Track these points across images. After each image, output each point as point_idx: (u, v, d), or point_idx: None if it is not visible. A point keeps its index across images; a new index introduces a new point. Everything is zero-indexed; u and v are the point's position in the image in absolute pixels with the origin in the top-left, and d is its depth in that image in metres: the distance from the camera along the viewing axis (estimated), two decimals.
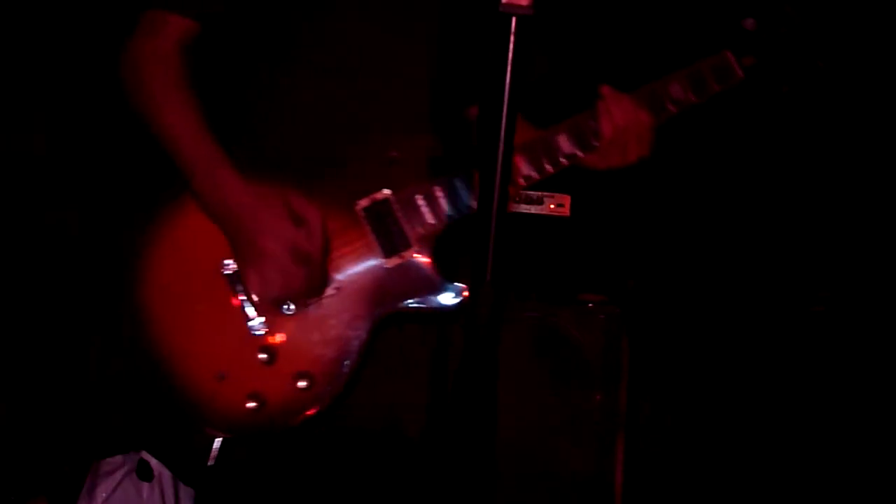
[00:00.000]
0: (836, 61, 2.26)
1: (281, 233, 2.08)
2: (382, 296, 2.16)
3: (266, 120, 2.23)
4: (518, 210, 3.63)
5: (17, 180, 3.71)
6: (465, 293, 2.15)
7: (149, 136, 2.17)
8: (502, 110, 1.50)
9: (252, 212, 2.09)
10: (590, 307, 3.58)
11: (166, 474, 3.35)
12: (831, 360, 3.81)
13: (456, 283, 2.17)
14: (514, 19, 1.52)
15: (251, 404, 2.11)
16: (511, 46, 1.52)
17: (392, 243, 2.16)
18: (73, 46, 3.70)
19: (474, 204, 2.16)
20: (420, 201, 2.17)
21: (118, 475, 3.45)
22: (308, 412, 2.13)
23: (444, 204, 2.18)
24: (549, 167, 2.23)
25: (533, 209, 3.67)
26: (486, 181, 1.54)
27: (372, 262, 2.16)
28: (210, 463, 2.16)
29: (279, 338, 2.14)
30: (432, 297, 2.17)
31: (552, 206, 3.66)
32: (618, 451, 3.54)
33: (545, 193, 3.66)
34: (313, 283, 2.12)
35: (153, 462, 3.48)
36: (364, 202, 2.17)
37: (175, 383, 2.14)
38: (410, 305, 2.17)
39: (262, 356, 2.12)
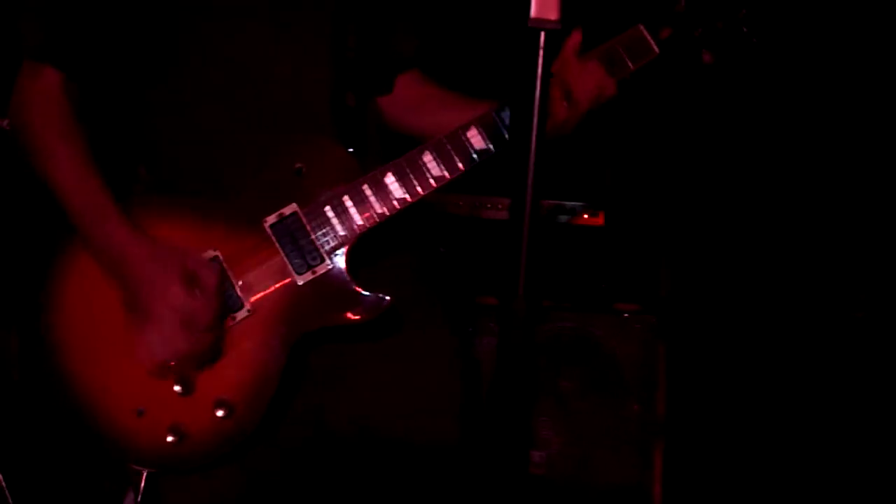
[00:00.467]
0: (761, 25, 2.20)
1: (171, 298, 2.01)
2: (298, 314, 2.09)
3: (164, 144, 2.18)
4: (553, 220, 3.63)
5: None
6: (386, 302, 2.09)
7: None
8: (531, 130, 1.48)
9: (142, 271, 2.03)
10: (625, 316, 3.57)
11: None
12: (874, 367, 3.77)
13: (375, 294, 2.10)
14: (542, 34, 1.51)
15: (171, 438, 2.06)
16: (541, 62, 1.51)
17: (303, 259, 2.10)
18: None
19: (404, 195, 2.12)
20: (329, 213, 2.11)
21: None
22: (233, 440, 2.08)
23: (353, 213, 2.11)
24: (461, 166, 2.16)
25: (566, 219, 3.66)
26: (517, 198, 1.52)
27: (284, 281, 2.10)
28: (138, 499, 2.14)
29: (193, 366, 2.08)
30: (351, 312, 2.11)
31: (586, 217, 3.65)
32: (656, 461, 3.52)
33: (578, 203, 3.66)
34: (202, 348, 2.05)
35: None
36: (271, 218, 2.09)
37: (95, 421, 2.09)
38: (329, 322, 2.11)
39: (178, 388, 2.07)
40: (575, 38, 2.20)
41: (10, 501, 3.25)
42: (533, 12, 1.50)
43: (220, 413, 2.06)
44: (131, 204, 2.11)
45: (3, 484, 3.26)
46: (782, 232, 3.97)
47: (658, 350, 3.57)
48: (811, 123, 3.88)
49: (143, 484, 2.19)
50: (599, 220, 3.64)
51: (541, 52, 1.50)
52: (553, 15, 1.50)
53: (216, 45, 2.13)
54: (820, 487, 3.71)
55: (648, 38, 2.22)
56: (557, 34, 1.51)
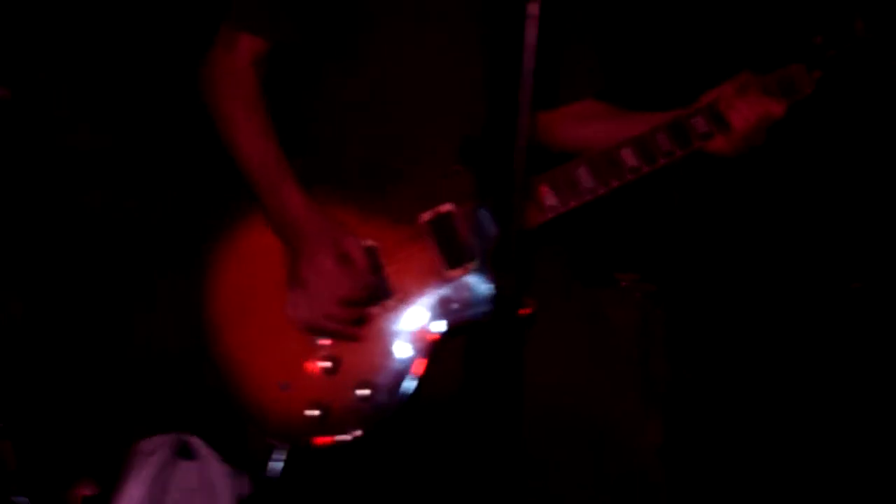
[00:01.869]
0: None
1: (317, 265, 2.12)
2: (444, 308, 2.18)
3: (330, 136, 2.29)
4: None
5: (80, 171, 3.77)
6: (531, 305, 2.14)
7: (221, 148, 2.25)
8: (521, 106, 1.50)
9: (305, 236, 2.15)
10: (623, 286, 3.58)
11: (209, 454, 3.38)
12: (873, 340, 3.78)
13: (519, 295, 2.17)
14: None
15: (313, 412, 2.14)
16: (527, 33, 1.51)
17: (455, 256, 2.18)
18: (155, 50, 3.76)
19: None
20: (483, 214, 2.18)
21: (160, 455, 3.49)
22: (369, 423, 2.15)
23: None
24: (613, 182, 2.22)
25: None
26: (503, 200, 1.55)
27: (434, 274, 2.18)
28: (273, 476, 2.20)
29: (342, 346, 2.17)
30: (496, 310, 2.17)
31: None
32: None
33: None
34: (337, 319, 2.14)
35: (195, 442, 3.52)
36: (427, 215, 2.19)
37: (239, 392, 2.18)
38: (473, 317, 2.18)
39: (326, 364, 2.16)
40: (743, 77, 2.23)
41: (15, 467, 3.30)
42: None
43: (360, 392, 2.14)
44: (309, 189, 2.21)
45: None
46: (782, 201, 3.98)
47: (658, 316, 3.58)
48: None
49: (280, 461, 2.25)
50: None
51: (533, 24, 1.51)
52: None
53: (396, 47, 2.22)
54: (813, 461, 3.74)
55: (806, 77, 2.23)
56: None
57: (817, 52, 2.24)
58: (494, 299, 2.07)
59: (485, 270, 2.17)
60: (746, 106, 2.19)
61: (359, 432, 2.16)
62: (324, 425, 2.15)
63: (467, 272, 2.18)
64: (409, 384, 2.15)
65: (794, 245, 3.96)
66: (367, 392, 2.14)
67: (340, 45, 2.26)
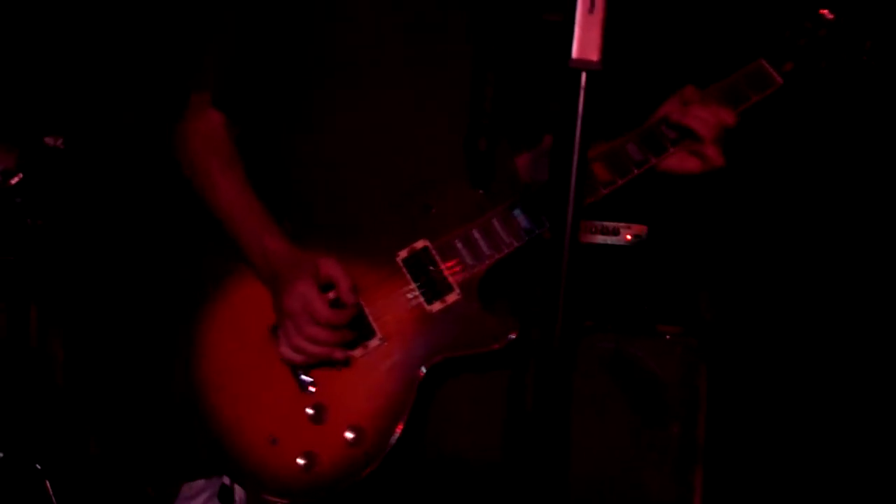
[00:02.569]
0: (882, 54, 2.23)
1: (298, 292, 2.11)
2: (429, 344, 2.16)
3: (301, 186, 2.29)
4: (595, 241, 3.64)
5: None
6: (515, 332, 2.14)
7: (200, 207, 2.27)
8: (573, 166, 1.51)
9: (286, 275, 2.14)
10: (667, 338, 3.57)
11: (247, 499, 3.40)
12: None
13: (506, 323, 2.16)
14: (584, 75, 1.53)
15: (301, 461, 2.13)
16: (581, 102, 1.53)
17: (434, 290, 2.18)
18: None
19: (534, 227, 2.19)
20: (459, 245, 2.19)
21: (201, 499, 3.51)
22: (364, 468, 2.13)
23: (482, 245, 2.19)
24: (619, 179, 2.22)
25: (609, 240, 3.67)
26: (556, 236, 1.55)
27: (416, 311, 2.17)
28: None
29: (328, 393, 2.15)
30: (481, 339, 2.16)
31: (629, 237, 3.66)
32: (696, 483, 3.52)
33: (621, 224, 3.66)
34: (323, 342, 2.13)
35: (237, 488, 3.54)
36: (403, 253, 2.19)
37: (231, 450, 2.18)
38: (459, 350, 2.17)
39: (310, 412, 2.15)
40: (687, 91, 2.23)
41: None
42: (574, 53, 1.53)
43: (349, 436, 2.13)
44: None
45: (50, 491, 3.33)
46: (823, 253, 3.96)
47: (700, 372, 3.57)
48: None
49: None
50: (643, 237, 3.65)
51: (581, 93, 1.53)
52: (594, 56, 1.53)
53: (360, 107, 2.24)
54: None
55: (771, 70, 2.25)
56: (599, 75, 1.53)
57: (787, 43, 2.25)
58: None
59: (469, 301, 2.17)
60: (695, 114, 2.19)
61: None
62: (315, 476, 2.13)
63: (447, 305, 2.17)
64: (399, 427, 2.13)
65: (835, 300, 3.94)
66: (353, 436, 2.13)
67: (300, 98, 2.28)
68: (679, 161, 2.24)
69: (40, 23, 3.84)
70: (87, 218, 3.82)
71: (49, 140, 3.52)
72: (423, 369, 2.15)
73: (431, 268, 2.18)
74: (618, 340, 3.57)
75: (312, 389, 2.16)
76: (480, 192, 2.23)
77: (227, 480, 3.55)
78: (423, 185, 2.21)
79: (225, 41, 2.30)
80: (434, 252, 2.19)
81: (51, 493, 3.32)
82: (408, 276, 2.19)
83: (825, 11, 2.25)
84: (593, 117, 1.54)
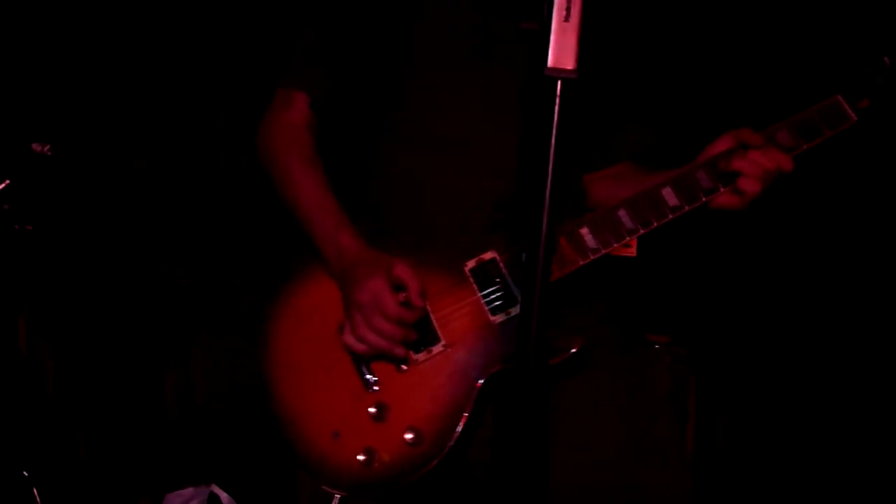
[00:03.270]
0: None
1: (370, 288, 2.15)
2: (490, 354, 2.19)
3: (378, 190, 2.37)
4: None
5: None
6: (577, 346, 2.17)
7: (279, 202, 2.35)
8: (546, 175, 1.51)
9: (360, 270, 2.19)
10: (656, 348, 3.57)
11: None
12: None
13: (567, 338, 2.19)
14: (559, 83, 1.54)
15: (361, 457, 2.18)
16: (556, 110, 1.54)
17: (499, 301, 2.21)
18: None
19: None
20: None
21: None
22: (420, 469, 2.17)
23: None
24: (654, 221, 2.24)
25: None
26: (532, 252, 1.55)
27: (480, 321, 2.21)
28: None
29: (391, 393, 2.21)
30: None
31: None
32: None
33: None
34: (388, 336, 2.16)
35: (223, 495, 3.54)
36: (471, 263, 2.23)
37: (294, 443, 2.25)
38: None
39: (372, 410, 2.20)
40: (745, 133, 2.23)
41: None
42: (550, 62, 1.53)
43: (408, 436, 2.17)
44: None
45: (38, 499, 3.33)
46: (814, 262, 3.96)
47: (689, 381, 3.57)
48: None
49: None
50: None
51: (557, 101, 1.54)
52: (570, 64, 1.53)
53: (442, 114, 2.28)
54: None
55: (847, 107, 2.24)
56: (574, 83, 1.54)
57: (865, 80, 2.25)
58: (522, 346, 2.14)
59: None
60: (753, 159, 2.18)
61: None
62: (374, 472, 2.19)
63: (510, 317, 2.20)
64: (457, 431, 2.17)
65: (827, 308, 3.93)
66: (412, 436, 2.17)
67: (385, 107, 2.34)
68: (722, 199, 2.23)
69: (28, 28, 3.85)
70: (76, 224, 3.82)
71: (36, 146, 3.53)
72: (482, 380, 2.18)
73: (497, 280, 2.21)
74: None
75: (377, 388, 2.21)
76: None
77: (215, 489, 3.56)
78: (495, 198, 2.24)
79: (316, 38, 2.37)
80: (501, 264, 2.22)
81: (38, 501, 3.32)
82: (474, 286, 2.22)
83: (887, 59, 2.24)
84: (568, 127, 1.55)
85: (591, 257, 2.23)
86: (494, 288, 2.22)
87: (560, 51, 1.53)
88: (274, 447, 2.28)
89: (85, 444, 3.86)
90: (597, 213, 2.25)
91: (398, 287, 2.18)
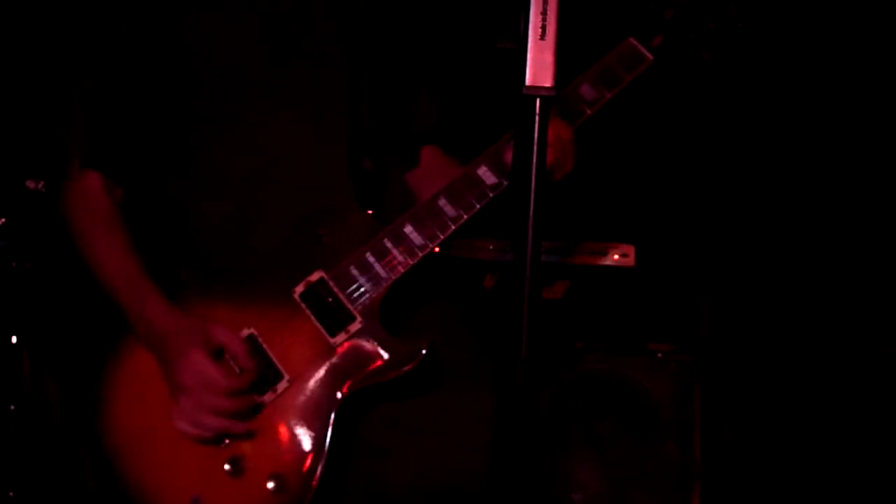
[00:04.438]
0: (753, 17, 2.21)
1: (191, 363, 2.07)
2: (338, 377, 2.12)
3: (196, 235, 2.27)
4: (582, 262, 3.63)
5: None
6: (424, 348, 2.11)
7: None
8: (530, 193, 1.51)
9: (174, 343, 2.10)
10: (659, 356, 3.56)
11: None
12: None
13: (411, 344, 2.13)
14: (538, 101, 1.53)
15: None
16: (537, 128, 1.53)
17: (335, 321, 2.14)
18: None
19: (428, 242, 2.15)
20: (354, 272, 2.14)
21: None
22: None
23: (378, 268, 2.14)
24: (476, 203, 2.17)
25: (598, 261, 3.65)
26: (518, 266, 1.54)
27: (320, 346, 2.13)
28: None
29: (243, 444, 2.11)
30: (390, 363, 2.12)
31: (616, 257, 3.65)
32: (694, 501, 3.50)
33: (609, 244, 3.65)
34: (227, 413, 2.09)
35: None
36: (299, 288, 2.15)
37: None
38: (371, 379, 2.12)
39: (227, 467, 2.10)
40: None
41: None
42: (528, 80, 1.53)
43: (270, 485, 2.08)
44: (182, 301, 2.19)
45: None
46: (819, 268, 3.95)
47: (694, 389, 3.55)
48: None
49: None
50: (630, 261, 3.64)
51: (537, 119, 1.53)
52: (548, 82, 1.53)
53: (241, 144, 2.22)
54: None
55: (640, 48, 2.23)
56: (552, 100, 1.53)
57: (653, 17, 2.23)
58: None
59: (372, 327, 2.13)
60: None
61: None
62: None
63: (351, 334, 2.13)
64: (320, 467, 2.09)
65: (830, 315, 3.92)
66: (274, 484, 2.08)
67: (181, 149, 2.26)
68: None
69: (19, 65, 3.85)
70: (74, 260, 3.82)
71: (30, 184, 3.54)
72: (337, 404, 2.11)
73: (330, 299, 2.14)
74: (609, 360, 3.56)
75: (227, 442, 2.11)
76: (370, 213, 2.19)
77: None
78: (312, 215, 2.18)
79: (89, 99, 2.26)
80: (330, 282, 2.14)
81: None
82: (307, 311, 2.14)
83: None
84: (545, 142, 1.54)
85: (420, 255, 2.15)
86: (328, 308, 2.14)
87: (537, 69, 1.53)
88: None
89: (93, 475, 3.84)
90: (417, 207, 2.18)
91: (218, 353, 2.10)
